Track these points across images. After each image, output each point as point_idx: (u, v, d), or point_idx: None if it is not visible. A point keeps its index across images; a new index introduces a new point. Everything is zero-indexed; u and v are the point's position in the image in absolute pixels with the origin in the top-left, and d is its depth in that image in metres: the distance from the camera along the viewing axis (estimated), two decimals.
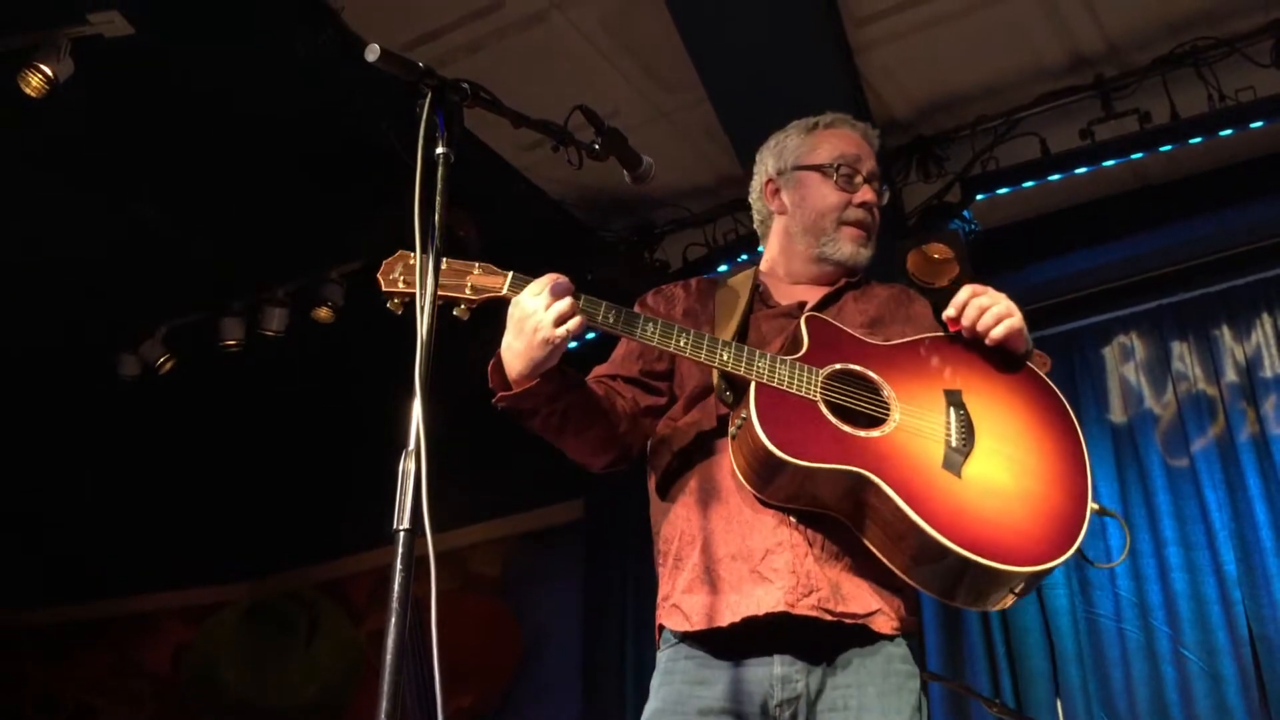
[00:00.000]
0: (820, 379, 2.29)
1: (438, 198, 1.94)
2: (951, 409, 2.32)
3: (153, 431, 7.03)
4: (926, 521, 2.13)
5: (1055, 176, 5.27)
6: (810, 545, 2.26)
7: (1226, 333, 5.50)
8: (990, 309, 2.37)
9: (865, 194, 2.63)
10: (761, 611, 2.20)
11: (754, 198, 2.81)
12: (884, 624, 2.25)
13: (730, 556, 2.28)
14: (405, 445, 1.77)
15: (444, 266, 2.24)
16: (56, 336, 6.28)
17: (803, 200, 2.67)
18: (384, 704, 1.60)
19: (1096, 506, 2.28)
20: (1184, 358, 5.56)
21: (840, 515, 2.26)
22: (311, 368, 6.58)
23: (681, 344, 2.29)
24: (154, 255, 5.80)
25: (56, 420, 7.01)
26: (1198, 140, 5.05)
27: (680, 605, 2.32)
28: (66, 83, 4.45)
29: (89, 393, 6.74)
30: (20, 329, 6.03)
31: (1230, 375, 5.41)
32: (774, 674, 2.23)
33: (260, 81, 4.83)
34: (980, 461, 2.27)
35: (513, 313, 2.24)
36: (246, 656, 8.00)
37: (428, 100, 2.01)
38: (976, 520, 2.18)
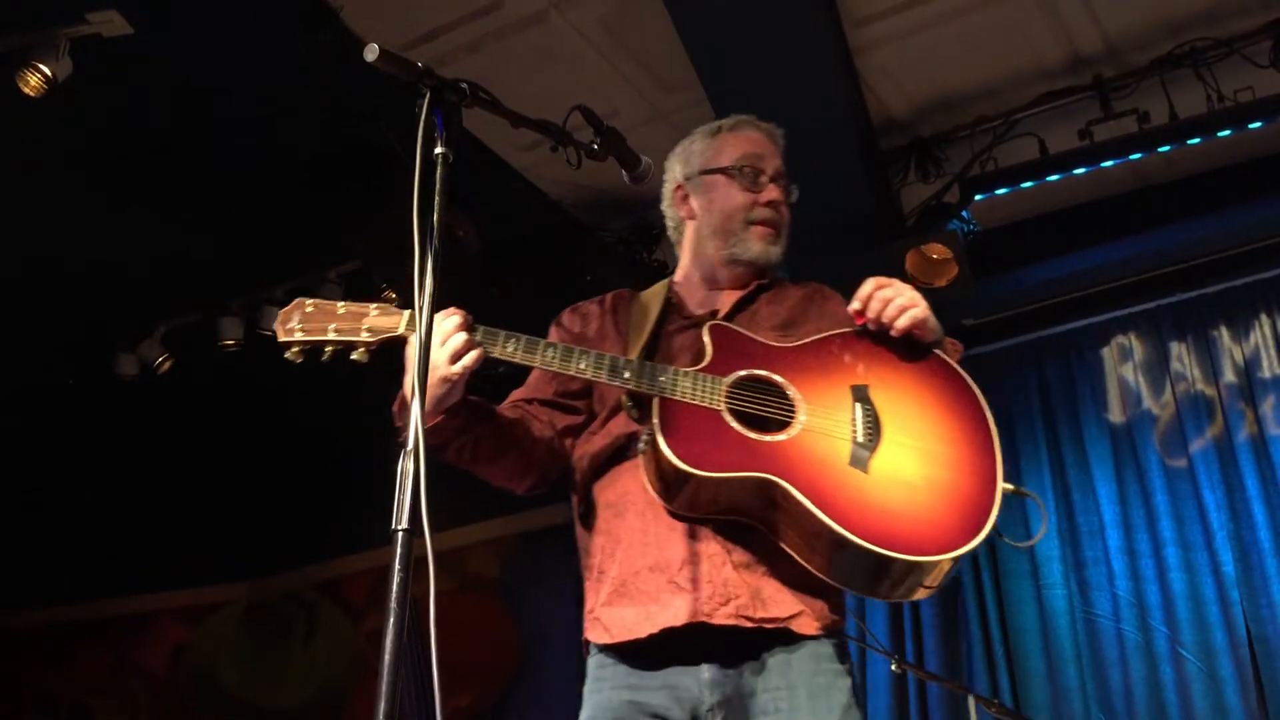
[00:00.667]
0: (724, 388, 2.31)
1: (436, 198, 1.94)
2: (858, 405, 2.33)
3: (151, 431, 7.02)
4: (835, 520, 2.14)
5: (1054, 177, 5.26)
6: (728, 553, 2.27)
7: (1225, 333, 5.51)
8: (894, 300, 2.37)
9: (771, 192, 2.63)
10: (679, 622, 2.22)
11: (665, 205, 2.81)
12: (807, 625, 2.26)
13: (648, 568, 2.30)
14: (404, 445, 1.77)
15: (341, 310, 2.31)
16: (55, 336, 6.27)
17: (710, 203, 2.68)
18: (382, 704, 1.60)
19: (1010, 487, 2.28)
20: (1182, 358, 5.56)
21: (755, 522, 2.27)
22: (310, 367, 6.56)
23: (582, 366, 2.30)
24: (152, 254, 5.80)
25: (54, 420, 7.00)
26: (1196, 141, 5.04)
27: (601, 618, 2.34)
28: (65, 82, 4.44)
29: (87, 392, 6.73)
30: (18, 328, 6.02)
31: (1229, 376, 5.41)
32: (701, 680, 2.24)
33: (259, 81, 4.82)
34: (887, 455, 2.28)
35: (409, 352, 2.23)
36: (245, 656, 8.00)
37: (426, 100, 2.00)
38: (885, 514, 2.19)
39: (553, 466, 2.54)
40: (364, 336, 2.28)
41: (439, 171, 1.96)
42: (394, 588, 1.67)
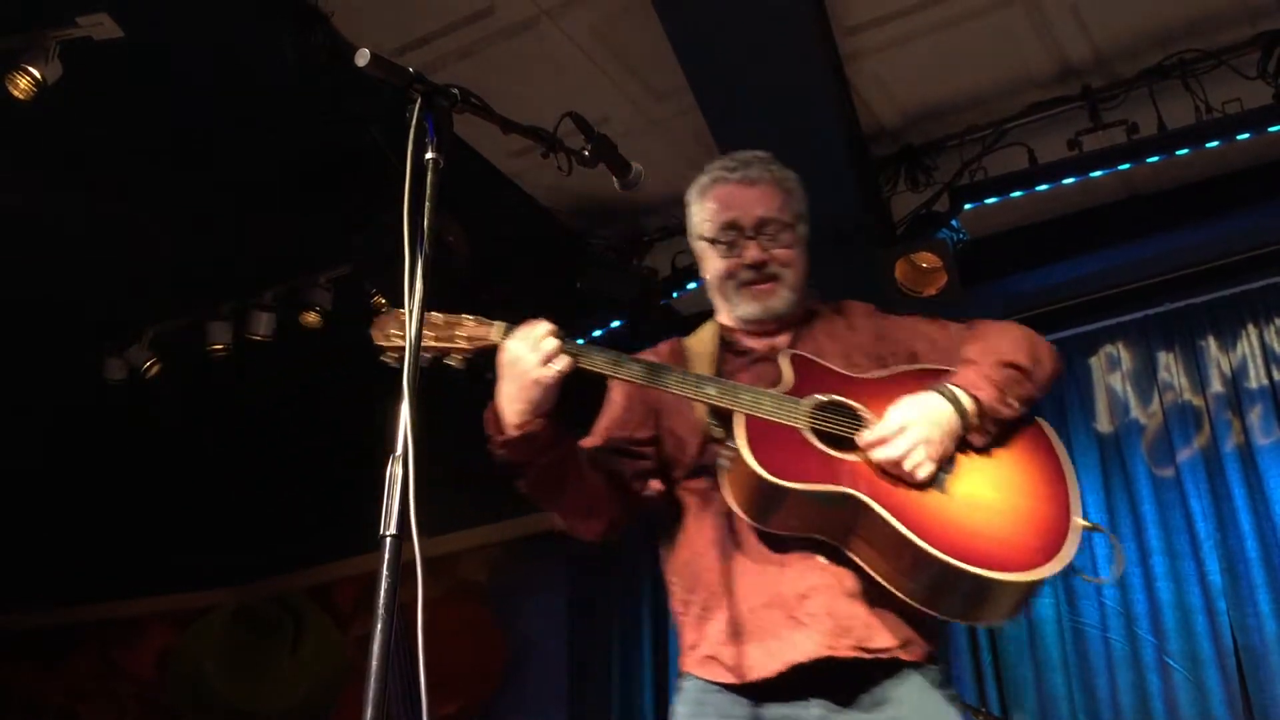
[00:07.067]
0: (805, 409, 2.34)
1: (427, 203, 1.94)
2: None
3: (139, 435, 6.99)
4: (918, 535, 2.17)
5: (1043, 186, 5.28)
6: (841, 584, 2.29)
7: (1212, 343, 5.52)
8: (904, 465, 2.28)
9: (750, 252, 2.60)
10: (806, 658, 2.24)
11: None
12: (915, 652, 2.30)
13: (765, 604, 2.32)
14: (393, 450, 1.77)
15: (438, 320, 2.31)
16: (42, 339, 6.24)
17: (706, 271, 2.71)
18: (369, 710, 1.60)
19: (1086, 523, 2.30)
20: (1170, 368, 5.57)
21: (836, 541, 2.29)
22: (299, 372, 6.56)
23: (668, 382, 2.34)
24: (141, 258, 5.78)
25: (42, 424, 6.98)
26: (1185, 151, 5.07)
27: (718, 656, 2.34)
28: (55, 85, 4.43)
29: (75, 396, 6.71)
30: (5, 332, 6.00)
31: (1216, 385, 5.43)
32: (811, 715, 2.26)
33: (250, 86, 4.81)
34: (964, 478, 2.31)
35: (503, 358, 2.27)
36: (232, 662, 7.97)
37: (417, 105, 2.01)
38: (965, 533, 2.22)
39: (623, 512, 2.55)
40: (460, 344, 2.31)
41: (429, 177, 1.97)
42: (381, 593, 1.67)
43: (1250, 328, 5.46)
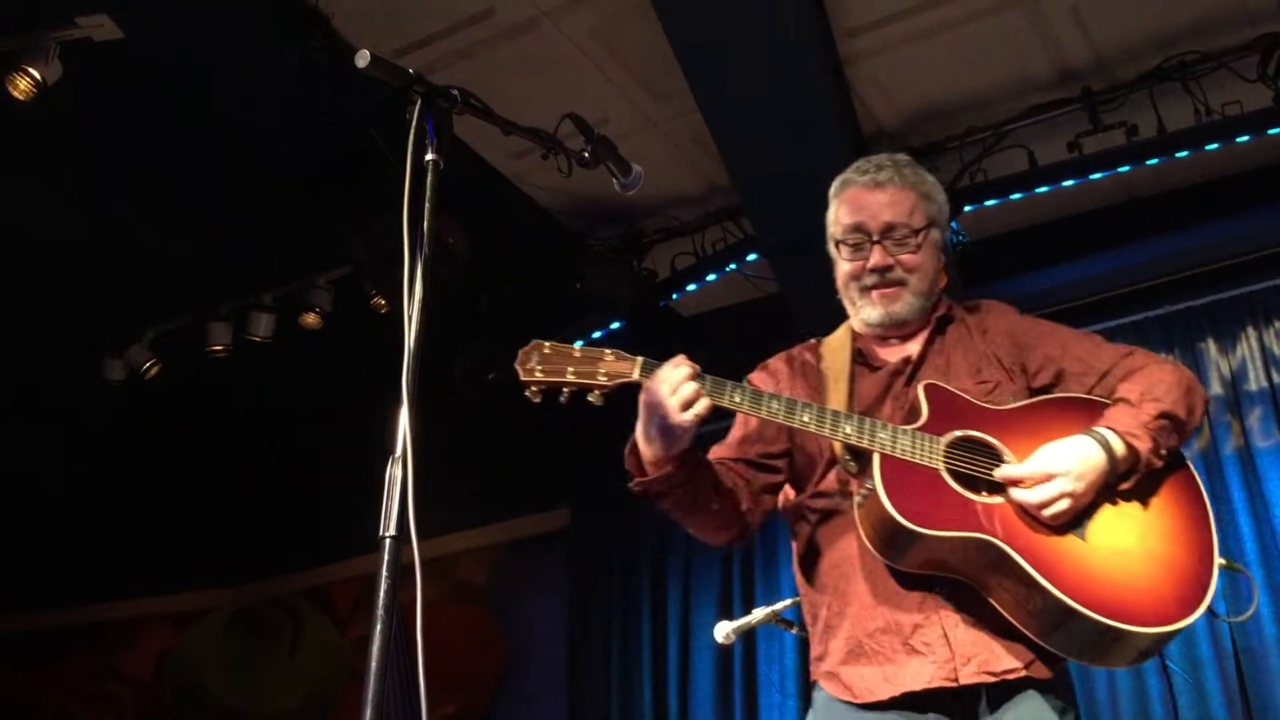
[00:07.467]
0: (942, 447, 2.33)
1: (427, 204, 1.94)
2: None
3: (138, 436, 6.99)
4: (1054, 585, 2.17)
5: (1043, 189, 5.28)
6: (959, 614, 2.30)
7: (1212, 346, 5.52)
8: (1042, 512, 2.28)
9: (875, 257, 2.60)
10: (919, 686, 2.27)
11: None
12: (1040, 670, 2.29)
13: (880, 630, 2.35)
14: (392, 451, 1.77)
15: (577, 354, 2.32)
16: (42, 339, 6.25)
17: (835, 275, 2.71)
18: (368, 712, 1.60)
19: (1223, 561, 2.31)
20: None
21: (967, 579, 2.30)
22: (298, 373, 6.56)
23: (805, 420, 2.34)
24: (141, 260, 5.78)
25: (41, 424, 6.98)
26: (1184, 154, 5.07)
27: (840, 675, 2.39)
28: (55, 86, 4.43)
29: (75, 396, 6.71)
30: (5, 332, 6.00)
31: (1215, 388, 5.42)
32: None
33: (249, 87, 4.82)
34: (1104, 522, 2.30)
35: (644, 399, 2.29)
36: (230, 663, 7.97)
37: (417, 107, 2.01)
38: (1104, 581, 2.22)
39: (754, 521, 2.58)
40: (600, 380, 2.31)
41: (429, 178, 1.97)
42: (380, 595, 1.67)
43: (1250, 330, 5.46)
